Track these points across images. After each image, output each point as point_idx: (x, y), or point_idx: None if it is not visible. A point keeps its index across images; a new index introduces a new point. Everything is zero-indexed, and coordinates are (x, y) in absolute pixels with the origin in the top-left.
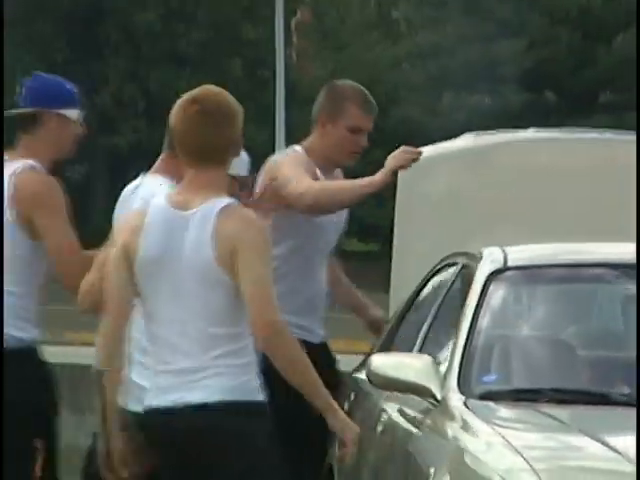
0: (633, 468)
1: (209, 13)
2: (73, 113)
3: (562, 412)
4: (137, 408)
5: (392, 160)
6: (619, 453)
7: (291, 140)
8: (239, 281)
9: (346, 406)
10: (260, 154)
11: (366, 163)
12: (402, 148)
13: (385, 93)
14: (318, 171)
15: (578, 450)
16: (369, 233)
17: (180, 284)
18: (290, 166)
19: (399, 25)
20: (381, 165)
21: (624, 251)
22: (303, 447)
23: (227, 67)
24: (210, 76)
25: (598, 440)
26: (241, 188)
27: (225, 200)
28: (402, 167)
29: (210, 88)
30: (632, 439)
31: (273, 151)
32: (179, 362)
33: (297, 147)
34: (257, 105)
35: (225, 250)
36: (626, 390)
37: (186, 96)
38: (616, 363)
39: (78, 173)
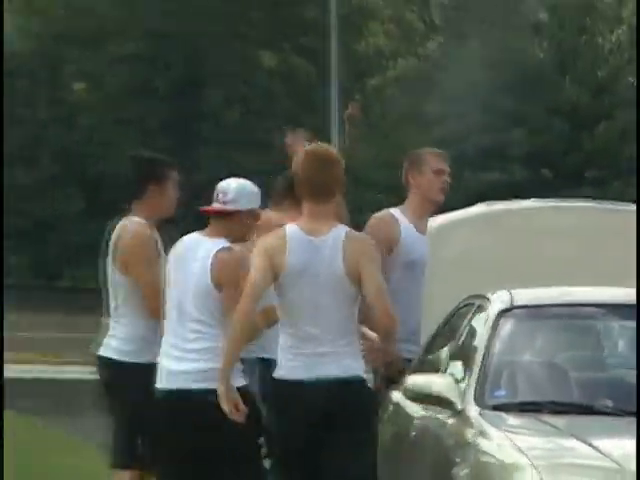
0: (613, 465)
1: (279, 108)
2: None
3: (558, 420)
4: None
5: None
6: (602, 453)
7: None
8: (364, 289)
9: (385, 416)
10: None
11: None
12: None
13: None
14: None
15: (570, 450)
16: None
17: (318, 290)
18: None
19: (429, 118)
20: None
21: (606, 294)
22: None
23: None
24: (278, 158)
25: (586, 442)
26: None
27: (345, 227)
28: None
29: (320, 144)
30: (613, 442)
31: None
32: (316, 348)
33: (392, 210)
34: None
35: (352, 266)
36: (609, 403)
37: (305, 150)
38: (600, 382)
39: None
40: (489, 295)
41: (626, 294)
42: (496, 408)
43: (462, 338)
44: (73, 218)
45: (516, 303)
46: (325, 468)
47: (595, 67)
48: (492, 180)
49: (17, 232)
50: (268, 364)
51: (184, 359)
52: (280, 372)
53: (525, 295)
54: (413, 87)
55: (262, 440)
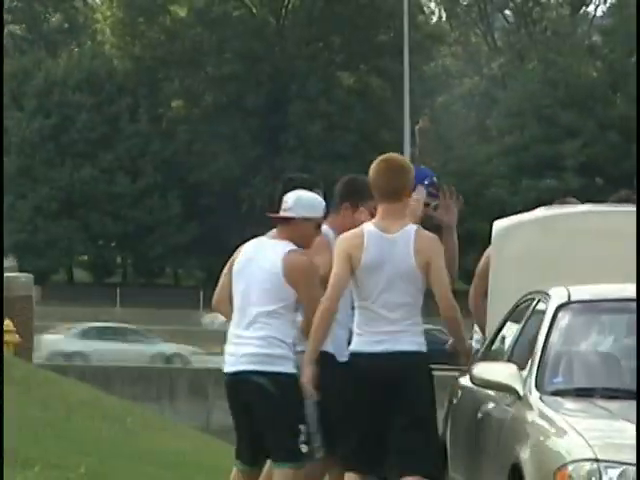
0: None
1: (356, 122)
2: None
3: (610, 405)
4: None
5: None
6: None
7: None
8: (430, 280)
9: (454, 401)
10: None
11: (465, 230)
12: None
13: (481, 181)
14: None
15: (622, 432)
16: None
17: (392, 281)
18: None
19: (491, 131)
20: (476, 233)
21: None
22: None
23: (369, 161)
24: (356, 170)
25: (634, 424)
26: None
27: (414, 226)
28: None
29: (392, 154)
30: None
31: None
32: (386, 326)
33: None
34: None
35: (422, 260)
36: None
37: (379, 158)
38: None
39: None
40: (548, 291)
41: None
42: (554, 393)
43: (524, 330)
44: (173, 221)
45: (573, 298)
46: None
47: None
48: (549, 187)
49: (123, 235)
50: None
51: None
52: (355, 347)
53: (581, 291)
54: (477, 103)
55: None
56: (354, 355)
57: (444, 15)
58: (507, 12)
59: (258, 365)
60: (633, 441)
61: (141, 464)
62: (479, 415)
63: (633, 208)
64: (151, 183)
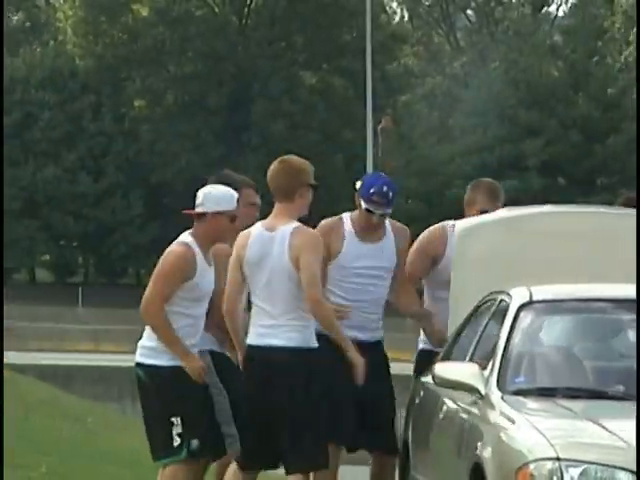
0: (622, 443)
1: (319, 121)
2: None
3: (573, 404)
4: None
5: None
6: (613, 433)
7: None
8: (300, 275)
9: (417, 400)
10: None
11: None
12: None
13: (443, 181)
14: None
15: (584, 431)
16: None
17: (271, 277)
18: None
19: (454, 131)
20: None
21: (617, 290)
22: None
23: (332, 160)
24: (318, 168)
25: (598, 424)
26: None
27: (296, 224)
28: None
29: (291, 156)
30: (622, 423)
31: None
32: (268, 320)
33: (449, 223)
34: (352, 189)
35: (294, 255)
36: (620, 388)
37: (277, 159)
38: (612, 370)
39: None
40: (510, 291)
41: (635, 290)
42: (516, 393)
43: (485, 330)
44: (135, 221)
45: (535, 298)
46: None
47: (605, 85)
48: (511, 187)
49: (85, 234)
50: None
51: None
52: (247, 340)
53: (543, 291)
54: (440, 103)
55: None
56: (247, 348)
57: (406, 15)
58: (469, 12)
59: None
60: (594, 440)
61: (102, 463)
62: (440, 415)
63: (596, 209)
64: (113, 183)
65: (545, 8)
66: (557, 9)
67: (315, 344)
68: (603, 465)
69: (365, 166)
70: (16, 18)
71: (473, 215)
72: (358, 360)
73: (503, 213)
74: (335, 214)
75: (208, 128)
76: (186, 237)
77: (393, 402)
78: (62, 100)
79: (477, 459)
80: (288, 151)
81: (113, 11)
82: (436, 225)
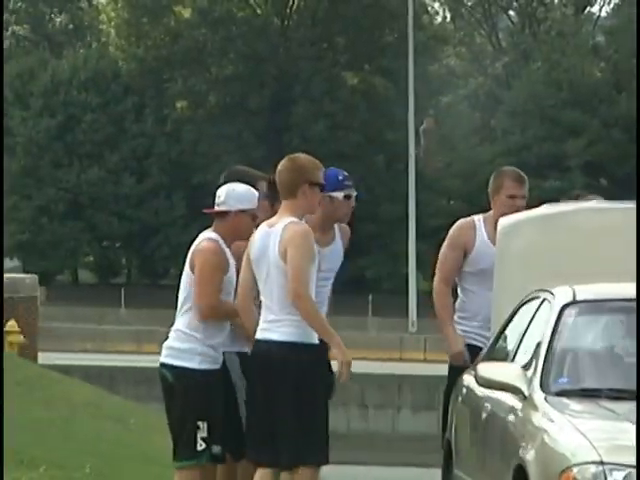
0: None
1: (360, 122)
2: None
3: (615, 406)
4: None
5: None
6: None
7: (419, 213)
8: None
9: (459, 398)
10: (395, 223)
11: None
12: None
13: (485, 181)
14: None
15: (627, 433)
16: None
17: (269, 272)
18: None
19: (495, 131)
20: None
21: None
22: None
23: (373, 161)
24: (359, 169)
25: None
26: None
27: (291, 219)
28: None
29: (298, 154)
30: None
31: (405, 221)
32: (270, 315)
33: (476, 217)
34: (393, 190)
35: (283, 250)
36: None
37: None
38: None
39: None
40: (553, 290)
41: None
42: (559, 394)
43: (529, 329)
44: (178, 222)
45: (578, 298)
46: None
47: None
48: (552, 187)
49: (128, 235)
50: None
51: None
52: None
53: (586, 290)
54: (482, 103)
55: None
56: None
57: (448, 15)
58: (511, 12)
59: None
60: (635, 443)
61: (145, 464)
62: (484, 414)
63: (635, 205)
64: (157, 184)
65: (588, 8)
66: (600, 9)
67: (315, 340)
68: None
69: (407, 167)
70: (59, 20)
71: (502, 202)
72: (344, 357)
73: (545, 210)
74: (376, 215)
75: (249, 129)
76: (210, 234)
77: None
78: (105, 102)
79: (520, 461)
80: (329, 152)
81: (155, 13)
82: (464, 219)
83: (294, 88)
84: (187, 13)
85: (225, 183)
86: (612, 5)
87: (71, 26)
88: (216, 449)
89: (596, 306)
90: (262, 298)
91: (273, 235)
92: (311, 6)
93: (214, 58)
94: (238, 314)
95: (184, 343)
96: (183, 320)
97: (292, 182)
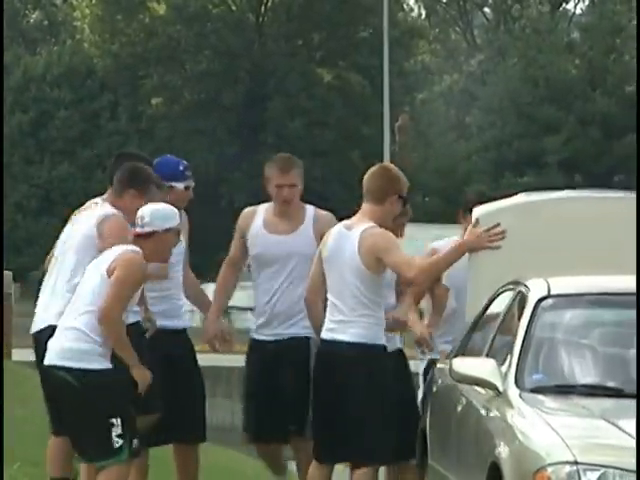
0: (634, 444)
1: (335, 119)
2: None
3: (590, 402)
4: None
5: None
6: (630, 435)
7: None
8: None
9: (434, 388)
10: None
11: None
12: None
13: (461, 177)
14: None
15: (601, 432)
16: None
17: (342, 274)
18: None
19: (471, 128)
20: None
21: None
22: None
23: (349, 157)
24: (337, 165)
25: (616, 425)
26: None
27: (369, 224)
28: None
29: (388, 163)
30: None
31: None
32: (337, 315)
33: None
34: None
35: (366, 255)
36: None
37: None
38: (631, 366)
39: None
40: (527, 282)
41: None
42: (534, 390)
43: (502, 323)
44: None
45: (553, 292)
46: None
47: (623, 82)
48: (529, 184)
49: None
50: None
51: None
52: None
53: (561, 284)
54: (457, 100)
55: None
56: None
57: (423, 12)
58: (486, 9)
59: None
60: (612, 441)
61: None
62: (459, 407)
63: (613, 194)
64: None
65: (563, 5)
66: (575, 6)
67: (381, 341)
68: (622, 470)
69: (382, 161)
70: (34, 16)
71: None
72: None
73: (521, 198)
74: (354, 211)
75: (224, 125)
76: (133, 247)
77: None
78: (79, 99)
79: (495, 458)
80: (304, 148)
81: (129, 9)
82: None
83: (269, 84)
84: (162, 9)
85: (115, 167)
86: (586, 2)
87: (45, 22)
88: (135, 443)
89: (571, 300)
90: (329, 296)
91: (351, 238)
92: (286, 2)
93: (189, 54)
94: (122, 339)
95: (84, 344)
96: (83, 320)
97: (383, 190)
